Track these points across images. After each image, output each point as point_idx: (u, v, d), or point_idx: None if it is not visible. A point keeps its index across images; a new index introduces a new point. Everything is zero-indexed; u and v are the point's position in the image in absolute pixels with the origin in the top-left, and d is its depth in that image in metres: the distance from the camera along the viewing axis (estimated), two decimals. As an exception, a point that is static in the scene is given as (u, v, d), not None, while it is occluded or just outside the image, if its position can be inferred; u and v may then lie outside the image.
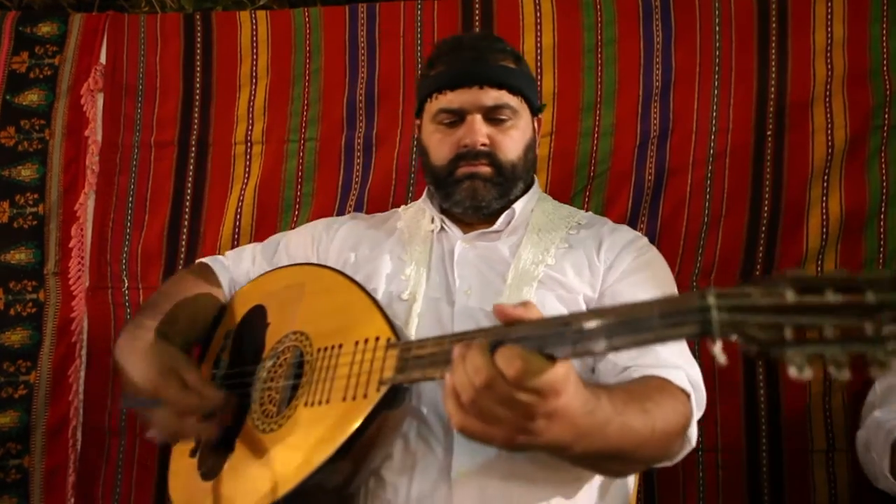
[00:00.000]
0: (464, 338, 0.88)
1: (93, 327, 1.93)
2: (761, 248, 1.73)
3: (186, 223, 1.96)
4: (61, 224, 1.97)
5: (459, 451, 1.11)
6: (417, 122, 1.47)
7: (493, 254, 1.33)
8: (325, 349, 1.11)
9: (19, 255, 1.97)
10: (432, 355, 0.92)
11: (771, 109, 1.78)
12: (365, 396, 1.00)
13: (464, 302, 1.25)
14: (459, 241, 1.35)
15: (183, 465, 1.23)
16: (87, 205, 1.99)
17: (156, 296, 1.38)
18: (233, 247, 1.92)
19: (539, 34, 1.91)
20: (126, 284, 1.94)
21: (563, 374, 0.81)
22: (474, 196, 1.34)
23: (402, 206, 1.54)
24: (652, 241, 1.75)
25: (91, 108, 2.04)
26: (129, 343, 1.23)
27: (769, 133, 1.77)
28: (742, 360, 1.71)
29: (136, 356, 1.19)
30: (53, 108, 2.04)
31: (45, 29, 2.10)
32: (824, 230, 1.71)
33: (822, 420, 1.67)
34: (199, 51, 2.04)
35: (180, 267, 1.93)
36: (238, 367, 1.24)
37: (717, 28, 1.84)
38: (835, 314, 0.63)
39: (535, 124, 1.46)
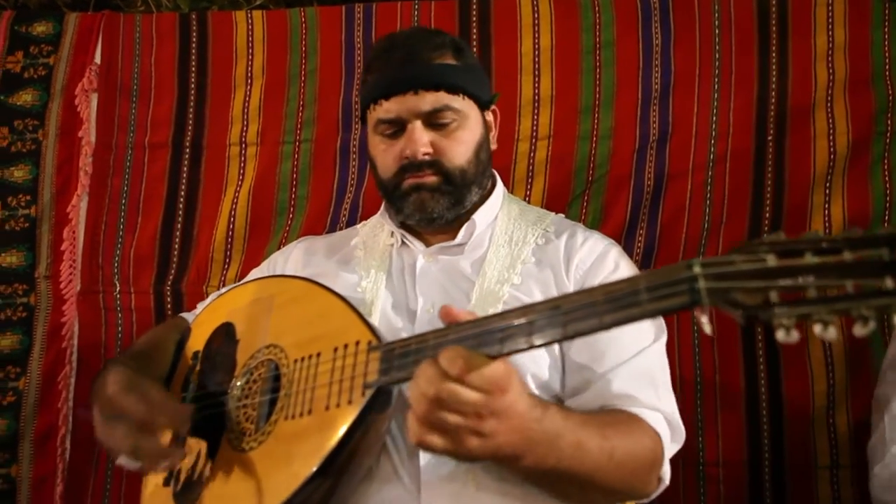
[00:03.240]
0: (446, 334, 0.88)
1: (84, 332, 1.90)
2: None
3: (180, 226, 1.94)
4: (53, 226, 1.95)
5: (427, 475, 1.08)
6: (366, 129, 1.38)
7: (456, 270, 1.28)
8: (303, 359, 1.08)
9: (10, 258, 1.94)
10: (417, 352, 0.91)
11: (772, 114, 1.75)
12: (350, 402, 0.98)
13: (426, 319, 1.21)
14: (421, 256, 1.30)
15: (157, 495, 1.18)
16: (79, 207, 1.96)
17: (131, 345, 1.35)
18: (225, 250, 1.90)
19: (537, 36, 1.89)
20: (118, 288, 1.91)
21: (505, 370, 0.83)
22: (423, 209, 1.27)
23: (361, 223, 1.50)
24: (651, 246, 1.74)
25: (85, 109, 2.01)
26: (99, 380, 1.17)
27: (770, 138, 1.75)
28: (744, 372, 1.68)
29: (102, 386, 1.13)
30: (47, 109, 2.02)
31: (40, 28, 2.08)
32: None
33: (825, 436, 1.63)
34: (194, 51, 2.02)
35: (173, 271, 1.91)
36: (209, 388, 1.20)
37: (717, 31, 1.81)
38: (816, 275, 0.66)
39: (489, 117, 1.38)
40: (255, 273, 1.48)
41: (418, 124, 1.25)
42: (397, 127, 1.28)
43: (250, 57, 2.00)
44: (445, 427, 0.83)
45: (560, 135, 1.83)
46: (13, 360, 1.90)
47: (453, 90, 1.26)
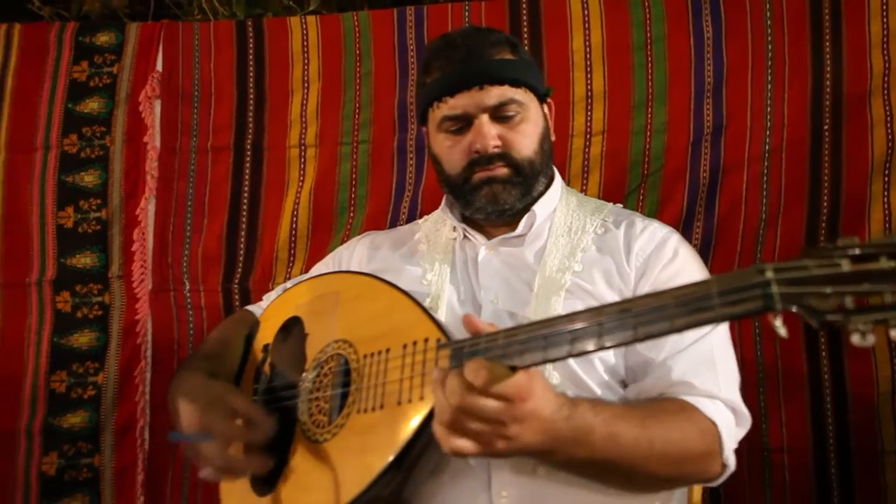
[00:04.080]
0: (516, 333, 0.90)
1: (157, 329, 2.00)
2: (822, 245, 1.70)
3: (244, 226, 2.01)
4: (123, 228, 2.03)
5: (497, 466, 1.11)
6: (424, 129, 1.42)
7: (518, 260, 1.30)
8: (372, 355, 1.12)
9: (85, 259, 2.04)
10: (486, 350, 0.93)
11: (827, 103, 1.76)
12: (421, 398, 1.02)
13: (490, 310, 1.24)
14: (483, 248, 1.33)
15: (235, 484, 1.23)
16: (147, 209, 2.05)
17: (203, 343, 1.40)
18: (289, 249, 1.97)
19: (587, 32, 1.92)
20: (187, 287, 2.00)
21: (527, 379, 0.89)
22: (495, 200, 1.30)
23: (423, 217, 1.53)
24: (709, 239, 1.76)
25: (149, 115, 2.09)
26: (178, 384, 1.23)
27: (826, 127, 1.75)
28: (807, 358, 1.69)
29: (183, 394, 1.18)
30: (113, 116, 2.10)
31: (103, 38, 2.16)
32: (887, 225, 1.68)
33: (891, 420, 1.63)
34: (251, 57, 2.08)
35: (239, 269, 1.99)
36: (280, 380, 1.24)
37: (769, 22, 1.82)
38: (892, 280, 0.66)
39: (546, 110, 1.40)
40: (319, 267, 1.52)
41: (485, 118, 1.28)
42: (463, 122, 1.30)
43: (306, 61, 2.06)
44: (470, 433, 0.90)
45: (614, 130, 1.87)
46: (91, 356, 1.99)
47: (516, 83, 1.30)
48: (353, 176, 1.99)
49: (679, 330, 0.78)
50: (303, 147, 2.02)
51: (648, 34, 1.88)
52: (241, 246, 2.00)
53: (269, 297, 1.49)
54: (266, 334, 1.34)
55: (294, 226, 1.98)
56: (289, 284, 1.47)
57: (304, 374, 1.22)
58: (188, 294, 1.99)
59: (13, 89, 2.13)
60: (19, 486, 1.95)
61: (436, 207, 1.51)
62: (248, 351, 1.34)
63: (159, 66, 2.12)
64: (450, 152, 1.33)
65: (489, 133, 1.27)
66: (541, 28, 1.94)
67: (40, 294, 2.02)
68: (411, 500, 1.13)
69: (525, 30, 1.94)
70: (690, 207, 1.80)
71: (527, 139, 1.31)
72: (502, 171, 1.29)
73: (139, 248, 2.01)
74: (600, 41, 1.91)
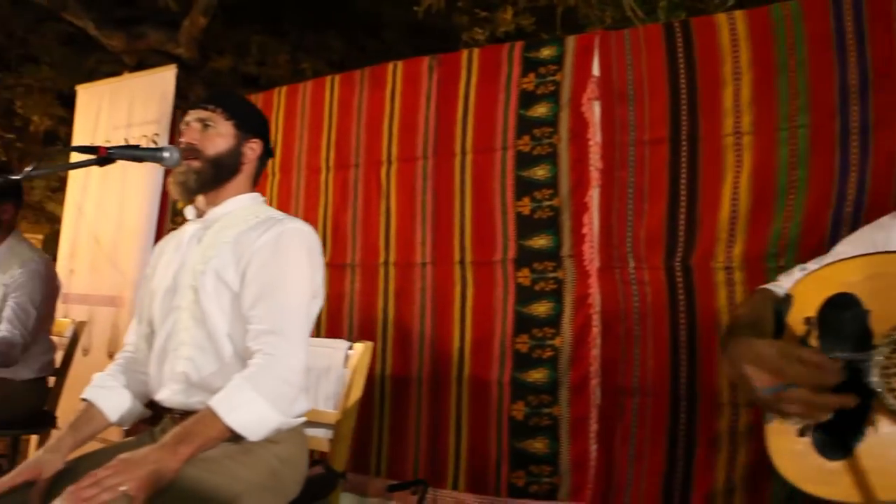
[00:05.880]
0: None
1: (605, 301, 2.29)
2: None
3: (683, 210, 2.20)
4: (572, 214, 2.36)
5: None
6: None
7: None
8: None
9: (540, 241, 2.41)
10: None
11: None
12: None
13: None
14: None
15: (790, 445, 1.27)
16: (592, 197, 2.35)
17: (734, 318, 1.49)
18: (729, 230, 2.12)
19: None
20: (632, 264, 2.25)
21: None
22: None
23: None
24: None
25: (590, 115, 2.39)
26: (736, 351, 1.33)
27: None
28: None
29: (750, 356, 1.28)
30: (558, 118, 2.45)
31: (545, 52, 2.52)
32: None
33: None
34: (681, 55, 2.27)
35: (680, 249, 2.19)
36: (836, 351, 1.26)
37: None
38: None
39: None
40: (844, 248, 1.48)
41: None
42: None
43: (736, 54, 2.19)
44: None
45: None
46: (548, 322, 2.36)
47: None
48: (792, 160, 2.07)
49: None
50: (738, 135, 2.16)
51: None
52: (681, 228, 2.20)
53: (786, 278, 1.52)
54: (804, 308, 1.36)
55: (734, 209, 2.12)
56: (810, 265, 1.47)
57: (873, 349, 1.23)
58: (632, 271, 2.25)
59: (475, 102, 2.60)
60: (493, 426, 2.39)
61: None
62: (780, 323, 1.40)
63: (595, 72, 2.41)
64: None
65: None
66: None
67: (504, 271, 2.44)
68: None
69: None
70: None
71: None
72: None
73: (588, 231, 2.33)
74: None
